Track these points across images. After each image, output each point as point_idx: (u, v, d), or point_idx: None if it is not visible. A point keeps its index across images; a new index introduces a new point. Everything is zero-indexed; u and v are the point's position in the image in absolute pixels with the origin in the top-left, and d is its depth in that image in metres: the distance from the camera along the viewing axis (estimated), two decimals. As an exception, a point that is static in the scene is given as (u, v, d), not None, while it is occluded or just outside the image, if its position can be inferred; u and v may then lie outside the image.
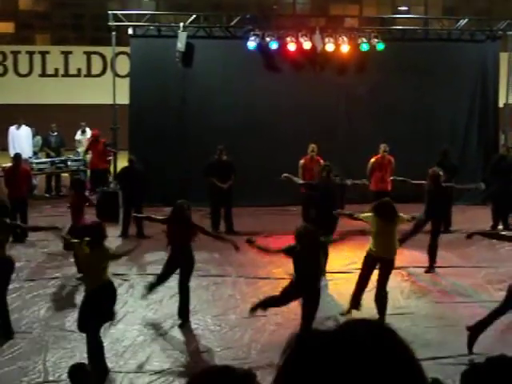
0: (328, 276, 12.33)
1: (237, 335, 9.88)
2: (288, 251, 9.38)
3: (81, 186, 14.00)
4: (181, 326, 10.15)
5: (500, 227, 16.59)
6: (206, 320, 10.41)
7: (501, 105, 20.08)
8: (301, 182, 14.77)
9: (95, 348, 8.37)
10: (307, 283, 9.17)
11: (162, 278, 10.66)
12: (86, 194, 14.12)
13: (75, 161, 20.92)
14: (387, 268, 10.34)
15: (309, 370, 1.47)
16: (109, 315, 8.82)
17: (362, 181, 15.53)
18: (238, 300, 11.45)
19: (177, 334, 10.01)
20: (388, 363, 1.47)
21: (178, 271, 10.45)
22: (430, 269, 13.06)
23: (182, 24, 18.71)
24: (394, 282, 11.19)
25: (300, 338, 1.56)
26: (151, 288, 10.80)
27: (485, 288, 12.17)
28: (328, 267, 12.17)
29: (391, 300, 10.55)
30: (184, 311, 10.31)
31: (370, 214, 10.54)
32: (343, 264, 13.20)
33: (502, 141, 19.98)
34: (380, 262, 10.34)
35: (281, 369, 1.53)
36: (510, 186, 17.11)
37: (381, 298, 10.19)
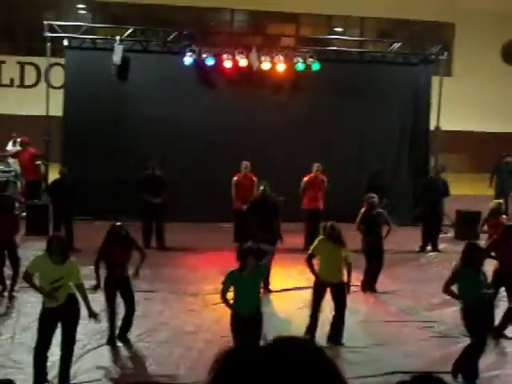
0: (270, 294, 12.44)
1: (166, 352, 9.79)
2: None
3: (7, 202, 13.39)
4: (110, 342, 9.98)
5: (429, 248, 16.87)
6: (136, 336, 10.29)
7: (432, 128, 20.44)
8: None
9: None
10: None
11: (111, 305, 10.24)
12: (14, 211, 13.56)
13: (5, 172, 20.51)
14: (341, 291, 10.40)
15: None
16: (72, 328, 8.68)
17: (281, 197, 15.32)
18: (168, 316, 11.37)
19: (105, 350, 9.86)
20: (314, 380, 1.47)
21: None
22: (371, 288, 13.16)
23: (118, 37, 18.59)
24: (325, 299, 11.23)
25: (228, 355, 1.55)
26: (112, 326, 10.39)
27: (413, 308, 12.33)
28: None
29: (321, 317, 10.59)
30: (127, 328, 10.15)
31: (316, 243, 10.57)
32: (283, 282, 13.27)
33: (432, 163, 20.32)
34: (330, 286, 10.37)
35: None
36: (439, 208, 17.47)
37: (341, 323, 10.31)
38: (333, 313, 10.37)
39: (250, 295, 9.02)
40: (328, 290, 10.36)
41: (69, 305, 8.54)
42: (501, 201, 14.87)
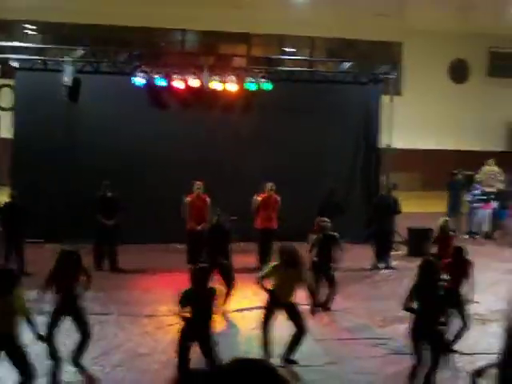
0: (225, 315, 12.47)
1: (119, 375, 9.68)
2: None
3: None
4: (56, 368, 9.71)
5: (382, 265, 17.01)
6: (89, 359, 10.13)
7: (383, 146, 20.64)
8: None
9: None
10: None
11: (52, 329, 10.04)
12: None
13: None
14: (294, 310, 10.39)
15: None
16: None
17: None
18: (122, 338, 11.26)
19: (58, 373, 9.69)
20: None
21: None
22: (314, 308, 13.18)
23: (68, 58, 18.49)
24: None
25: (183, 378, 1.55)
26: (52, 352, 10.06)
27: (367, 325, 12.40)
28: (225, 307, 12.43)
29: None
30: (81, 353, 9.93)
31: (270, 269, 10.53)
32: (238, 302, 13.26)
33: (383, 181, 20.53)
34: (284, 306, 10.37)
35: None
36: (390, 226, 17.65)
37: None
38: (288, 333, 10.36)
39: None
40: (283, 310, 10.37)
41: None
42: (447, 218, 15.05)
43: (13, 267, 9.08)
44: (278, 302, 10.29)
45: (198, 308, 8.91)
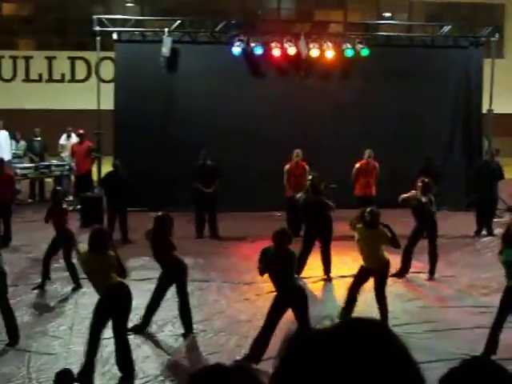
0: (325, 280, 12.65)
1: (222, 340, 9.85)
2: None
3: (58, 197, 13.39)
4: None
5: (484, 233, 16.68)
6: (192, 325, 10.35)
7: (484, 111, 20.16)
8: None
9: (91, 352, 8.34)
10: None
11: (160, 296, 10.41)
12: (64, 205, 13.54)
13: (59, 166, 20.82)
14: (381, 278, 10.39)
15: (307, 368, 1.46)
16: (121, 317, 8.66)
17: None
18: (223, 305, 11.43)
19: (163, 339, 9.93)
20: (388, 361, 1.46)
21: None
22: (431, 275, 13.04)
23: (166, 29, 18.70)
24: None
25: (297, 336, 1.55)
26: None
27: (469, 293, 12.21)
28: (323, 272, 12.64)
29: (376, 304, 10.55)
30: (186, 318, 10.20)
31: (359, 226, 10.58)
32: (340, 268, 13.27)
33: (485, 147, 20.06)
34: (372, 273, 10.38)
35: (278, 368, 1.51)
36: (494, 192, 17.22)
37: (381, 303, 10.27)
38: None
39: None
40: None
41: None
42: None
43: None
44: (366, 268, 10.33)
45: (277, 268, 8.99)
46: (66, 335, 9.98)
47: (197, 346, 9.69)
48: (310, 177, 13.94)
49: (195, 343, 9.79)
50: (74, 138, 21.20)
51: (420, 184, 13.14)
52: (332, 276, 13.01)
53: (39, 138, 21.61)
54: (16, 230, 15.61)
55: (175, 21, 19.44)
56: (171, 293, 10.29)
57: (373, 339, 1.48)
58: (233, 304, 11.45)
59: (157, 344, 9.78)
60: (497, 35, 20.27)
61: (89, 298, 10.65)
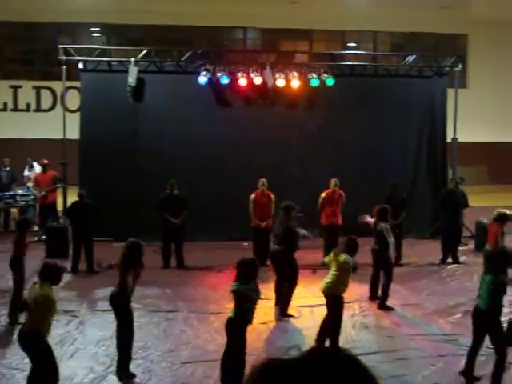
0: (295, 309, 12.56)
1: (188, 371, 9.75)
2: None
3: (24, 226, 13.19)
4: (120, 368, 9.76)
5: (449, 260, 16.78)
6: (158, 356, 10.26)
7: (448, 139, 20.37)
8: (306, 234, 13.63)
9: None
10: None
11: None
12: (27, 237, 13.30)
13: (24, 196, 20.63)
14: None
15: None
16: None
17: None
18: (190, 335, 11.34)
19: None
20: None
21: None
22: (382, 302, 13.08)
23: (132, 59, 18.70)
24: (346, 315, 11.17)
25: (263, 367, 1.53)
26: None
27: (435, 320, 12.24)
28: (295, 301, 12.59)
29: (343, 333, 10.56)
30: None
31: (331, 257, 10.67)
32: (306, 297, 13.25)
33: (450, 175, 20.24)
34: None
35: None
36: (459, 220, 17.36)
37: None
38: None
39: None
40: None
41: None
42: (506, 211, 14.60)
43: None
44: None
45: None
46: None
47: (163, 378, 9.57)
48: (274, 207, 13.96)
49: (161, 374, 9.67)
50: (38, 168, 21.06)
51: (377, 208, 13.33)
52: (299, 305, 12.95)
53: (8, 168, 21.44)
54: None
55: (141, 50, 19.47)
56: (138, 324, 10.20)
57: (342, 370, 1.48)
58: (200, 334, 11.36)
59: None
60: (460, 65, 20.56)
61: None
